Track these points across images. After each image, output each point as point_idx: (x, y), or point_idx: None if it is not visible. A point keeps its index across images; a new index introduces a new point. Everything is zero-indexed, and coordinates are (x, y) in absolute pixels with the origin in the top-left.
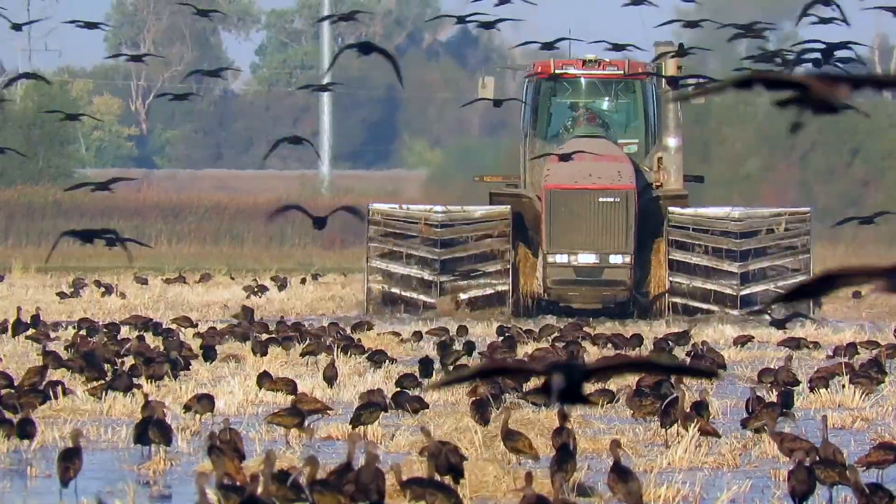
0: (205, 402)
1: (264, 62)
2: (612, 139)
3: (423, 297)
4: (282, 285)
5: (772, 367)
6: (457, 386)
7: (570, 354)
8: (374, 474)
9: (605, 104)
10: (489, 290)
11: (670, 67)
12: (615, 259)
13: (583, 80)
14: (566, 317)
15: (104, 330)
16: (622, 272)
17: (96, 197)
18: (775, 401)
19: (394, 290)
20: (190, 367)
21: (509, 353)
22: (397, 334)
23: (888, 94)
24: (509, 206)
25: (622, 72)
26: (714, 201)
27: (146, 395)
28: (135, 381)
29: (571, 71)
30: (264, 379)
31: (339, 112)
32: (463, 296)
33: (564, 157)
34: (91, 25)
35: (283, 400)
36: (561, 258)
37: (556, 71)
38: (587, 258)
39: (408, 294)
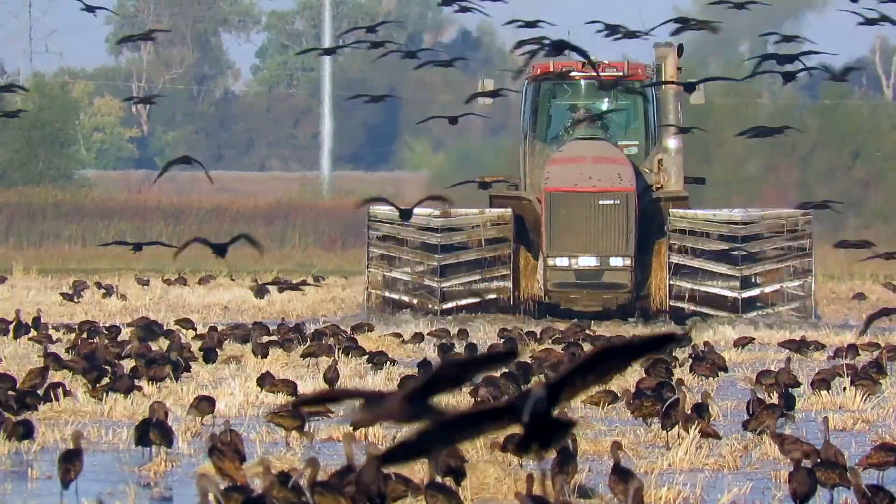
0: (204, 403)
1: (265, 64)
2: (612, 141)
3: (422, 301)
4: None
5: (772, 368)
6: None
7: (572, 356)
8: (376, 475)
9: (604, 106)
10: (489, 293)
11: (670, 68)
12: (615, 262)
13: (582, 82)
14: (568, 319)
15: (104, 332)
16: (623, 275)
17: (97, 199)
18: (776, 402)
19: (393, 294)
20: (190, 368)
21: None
22: (398, 336)
23: (889, 96)
24: (510, 209)
25: (621, 73)
26: (715, 203)
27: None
28: (135, 382)
29: (571, 72)
30: (265, 380)
31: (339, 113)
32: (462, 301)
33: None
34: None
35: (284, 402)
36: (561, 261)
37: (556, 72)
38: (587, 261)
39: (406, 298)
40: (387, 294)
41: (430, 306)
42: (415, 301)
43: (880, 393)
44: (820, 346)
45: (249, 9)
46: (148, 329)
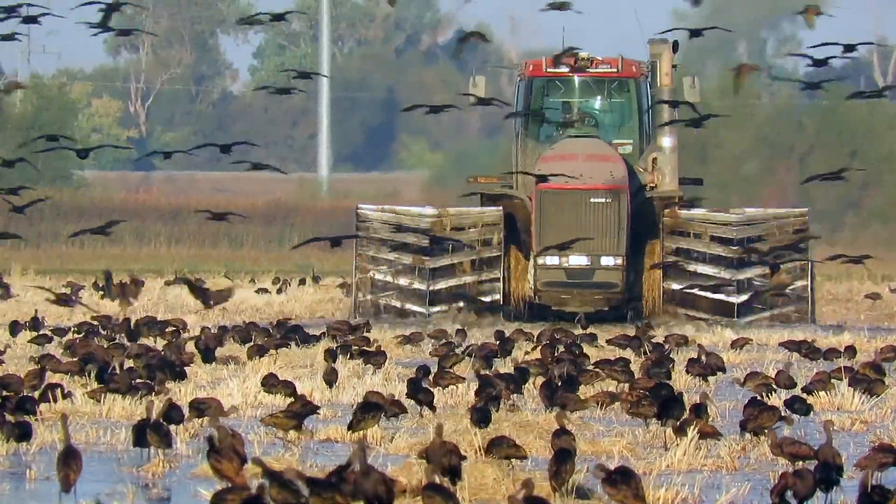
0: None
1: (262, 65)
2: (606, 139)
3: (413, 306)
4: (280, 289)
5: (757, 370)
6: None
7: (573, 356)
8: (375, 478)
9: (598, 103)
10: (481, 294)
11: (665, 65)
12: (607, 261)
13: (576, 79)
14: (559, 320)
15: (104, 332)
16: (614, 274)
17: (95, 199)
18: (776, 404)
19: (382, 296)
20: (185, 375)
21: (506, 357)
22: (398, 336)
23: (887, 97)
24: (500, 208)
25: (615, 70)
26: (712, 203)
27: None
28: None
29: (563, 70)
30: (269, 380)
31: (337, 114)
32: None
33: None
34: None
35: (283, 402)
36: (551, 260)
37: (548, 69)
38: (578, 260)
39: (397, 301)
40: (376, 296)
41: (418, 308)
42: (405, 303)
43: (879, 394)
44: (817, 348)
45: (247, 10)
46: (153, 327)
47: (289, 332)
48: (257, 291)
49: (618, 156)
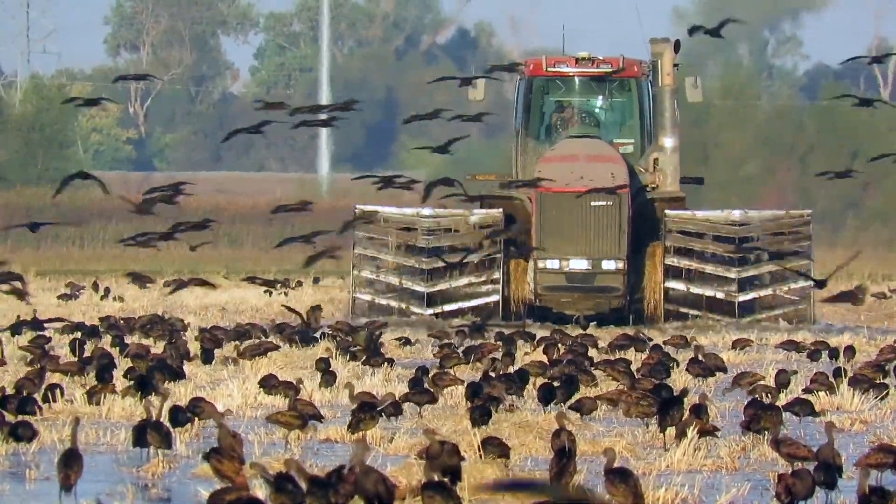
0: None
1: (263, 65)
2: (607, 139)
3: (411, 308)
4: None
5: (746, 371)
6: None
7: (575, 356)
8: (375, 477)
9: (598, 103)
10: (479, 298)
11: (666, 64)
12: (608, 265)
13: (576, 79)
14: (559, 323)
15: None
16: (615, 278)
17: (95, 200)
18: (777, 405)
19: (379, 298)
20: (185, 375)
21: (508, 360)
22: (400, 339)
23: (886, 97)
24: (500, 210)
25: (616, 69)
26: (713, 204)
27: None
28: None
29: (564, 69)
30: (268, 381)
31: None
32: (450, 307)
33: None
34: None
35: (283, 404)
36: (552, 263)
37: (549, 68)
38: (579, 264)
39: (395, 303)
40: (373, 298)
41: (416, 311)
42: (401, 305)
43: (881, 394)
44: (818, 349)
45: (247, 10)
46: (153, 326)
47: (289, 332)
48: (266, 292)
49: (619, 157)
